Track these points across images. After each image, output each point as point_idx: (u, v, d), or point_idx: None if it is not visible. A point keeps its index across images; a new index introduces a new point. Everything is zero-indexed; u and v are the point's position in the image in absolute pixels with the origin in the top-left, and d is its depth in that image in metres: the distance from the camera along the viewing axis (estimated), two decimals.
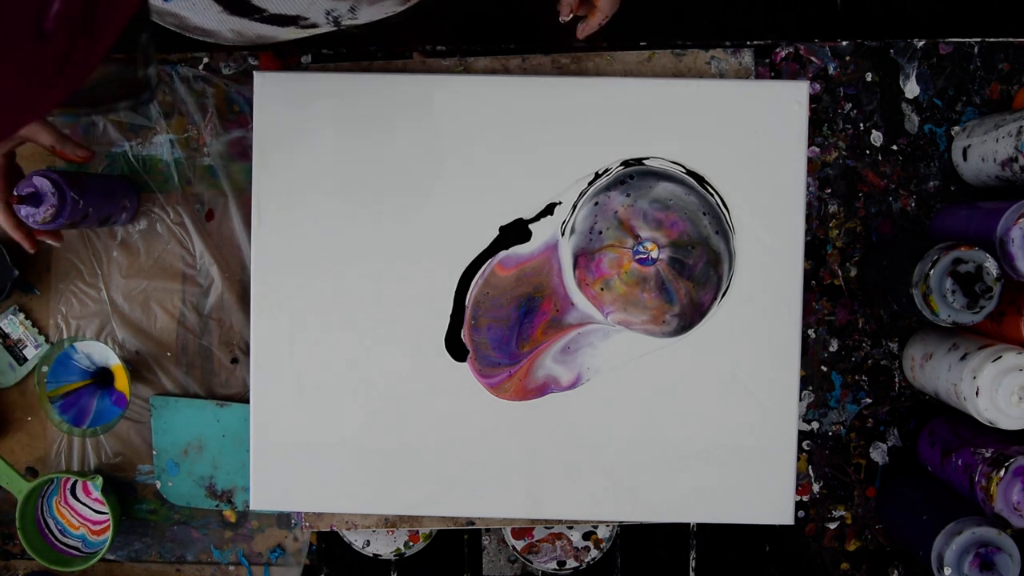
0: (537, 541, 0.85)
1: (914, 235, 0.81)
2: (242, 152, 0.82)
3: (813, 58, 0.81)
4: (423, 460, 0.78)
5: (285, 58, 0.82)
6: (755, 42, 0.80)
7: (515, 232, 0.77)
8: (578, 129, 0.76)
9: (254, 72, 0.77)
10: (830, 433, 0.82)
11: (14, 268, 0.79)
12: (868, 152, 0.81)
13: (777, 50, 0.81)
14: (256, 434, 0.78)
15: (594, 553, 0.85)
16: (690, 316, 0.77)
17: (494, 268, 0.77)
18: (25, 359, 0.84)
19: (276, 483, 0.78)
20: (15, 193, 0.72)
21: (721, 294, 0.77)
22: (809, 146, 0.79)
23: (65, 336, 0.84)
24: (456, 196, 0.77)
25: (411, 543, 0.85)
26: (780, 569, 0.94)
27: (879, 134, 0.81)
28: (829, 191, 0.81)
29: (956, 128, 0.80)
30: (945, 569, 0.70)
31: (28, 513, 0.81)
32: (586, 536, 0.85)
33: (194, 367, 0.84)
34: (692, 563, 0.86)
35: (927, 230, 0.80)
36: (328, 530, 0.82)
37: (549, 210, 0.77)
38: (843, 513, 0.83)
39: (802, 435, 0.82)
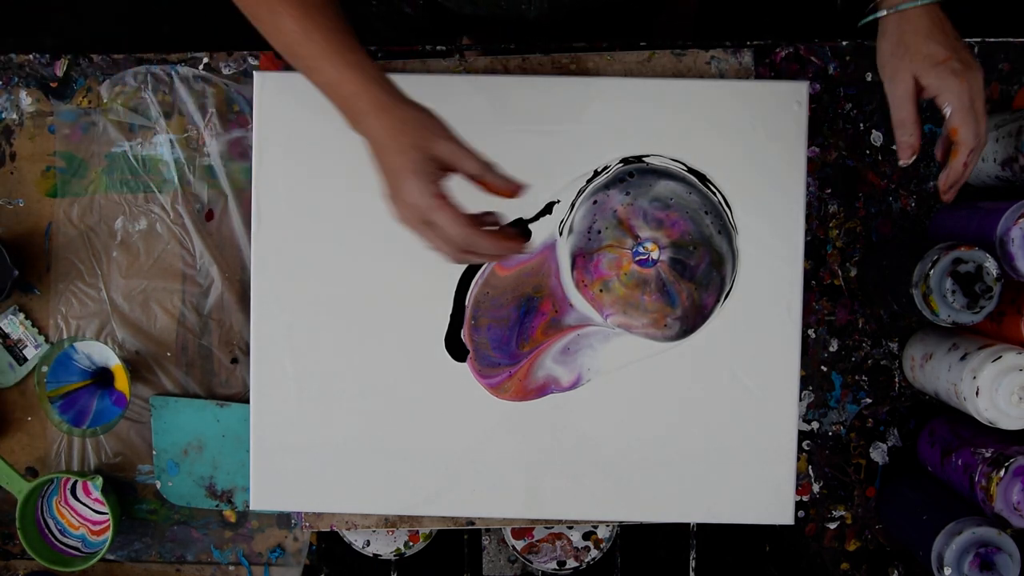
0: (537, 541, 0.85)
1: (914, 235, 0.81)
2: (242, 152, 0.82)
3: (813, 58, 0.81)
4: (423, 460, 0.78)
5: None
6: (755, 42, 0.80)
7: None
8: (578, 129, 0.76)
9: (254, 72, 0.77)
10: (830, 433, 0.82)
11: (14, 268, 0.79)
12: (868, 152, 0.81)
13: (777, 50, 0.81)
14: (256, 434, 0.78)
15: (594, 553, 0.85)
16: (692, 319, 0.77)
17: (494, 268, 0.77)
18: (25, 359, 0.84)
19: (276, 483, 0.79)
20: None
21: (724, 296, 0.77)
22: (809, 146, 0.78)
23: (65, 336, 0.84)
24: (456, 196, 0.77)
25: (411, 543, 0.85)
26: (780, 569, 0.94)
27: (879, 134, 0.81)
28: (829, 191, 0.81)
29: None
30: (945, 569, 0.70)
31: (28, 513, 0.81)
32: (586, 536, 0.85)
33: (194, 367, 0.84)
34: (692, 563, 0.86)
35: (927, 230, 0.80)
36: (328, 530, 0.82)
37: (548, 209, 0.77)
38: (843, 513, 0.83)
39: (802, 435, 0.82)
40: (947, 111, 0.62)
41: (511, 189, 0.60)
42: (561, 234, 0.77)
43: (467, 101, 0.76)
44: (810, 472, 0.83)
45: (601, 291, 0.77)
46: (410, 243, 0.78)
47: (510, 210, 0.77)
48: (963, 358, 0.70)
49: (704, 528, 0.85)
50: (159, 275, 0.83)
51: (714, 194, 0.76)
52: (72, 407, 0.82)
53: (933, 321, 0.68)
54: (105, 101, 0.83)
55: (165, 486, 0.83)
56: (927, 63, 0.61)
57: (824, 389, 0.82)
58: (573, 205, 0.77)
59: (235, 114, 0.82)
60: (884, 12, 0.63)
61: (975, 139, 0.61)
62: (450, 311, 0.78)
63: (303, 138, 0.77)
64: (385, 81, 0.58)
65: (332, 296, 0.78)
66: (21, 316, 0.84)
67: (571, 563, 0.85)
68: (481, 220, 0.59)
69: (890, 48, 0.63)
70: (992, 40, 0.80)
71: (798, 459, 0.81)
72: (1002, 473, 0.68)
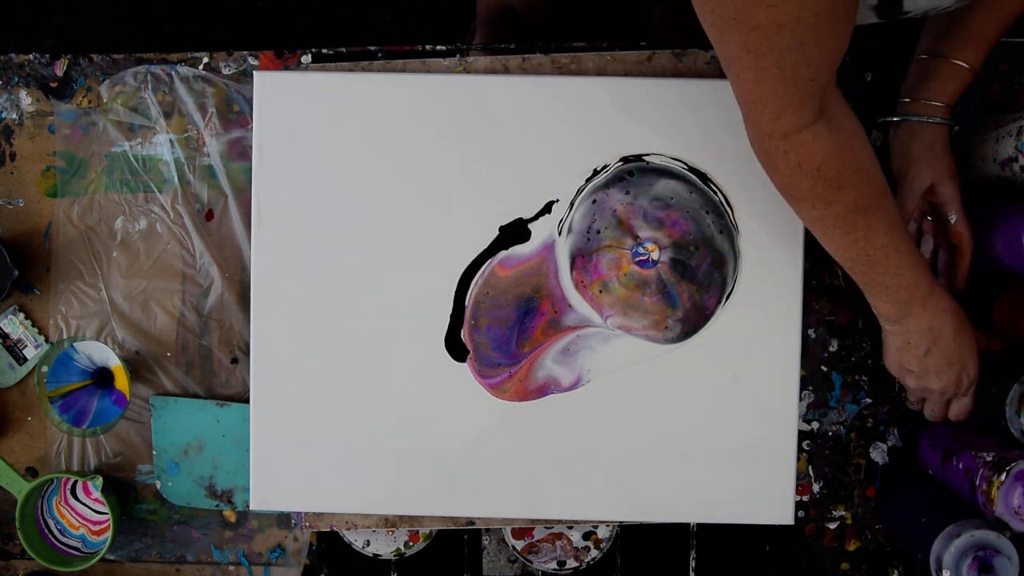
0: (537, 541, 0.85)
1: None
2: (242, 152, 0.82)
3: None
4: (423, 460, 0.78)
5: (285, 58, 0.82)
6: None
7: (515, 232, 0.77)
8: (578, 129, 0.76)
9: (254, 72, 0.77)
10: (830, 433, 0.82)
11: (14, 268, 0.79)
12: None
13: None
14: (256, 434, 0.78)
15: (594, 553, 0.85)
16: (693, 321, 0.77)
17: (494, 268, 0.77)
18: (25, 359, 0.84)
19: (276, 483, 0.79)
20: None
21: (725, 297, 0.77)
22: None
23: (65, 336, 0.84)
24: (456, 196, 0.77)
25: (411, 543, 0.85)
26: (780, 569, 0.94)
27: (879, 134, 0.80)
28: None
29: (956, 128, 0.80)
30: (944, 572, 0.69)
31: (28, 513, 0.82)
32: (586, 536, 0.85)
33: (194, 367, 0.84)
34: (692, 563, 0.86)
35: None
36: (328, 530, 0.82)
37: (548, 209, 0.77)
38: (843, 513, 0.83)
39: (802, 435, 0.82)
40: (952, 218, 0.74)
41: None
42: (560, 234, 0.77)
43: (467, 101, 0.76)
44: (810, 472, 0.83)
45: (600, 292, 0.77)
46: (409, 243, 0.78)
47: (509, 210, 0.77)
48: None
49: (704, 528, 0.85)
50: (159, 275, 0.83)
51: (715, 193, 0.76)
52: (72, 407, 0.82)
53: None
54: (105, 101, 0.83)
55: (165, 486, 0.84)
56: (947, 174, 0.73)
57: (824, 389, 0.82)
58: (572, 204, 0.77)
59: (235, 114, 0.82)
60: (924, 119, 0.73)
61: (972, 240, 0.74)
62: (450, 311, 0.78)
63: (303, 138, 0.77)
64: (936, 280, 0.70)
65: (332, 296, 0.78)
66: (21, 316, 0.84)
67: (571, 563, 0.85)
68: None
69: (919, 151, 0.74)
70: None
71: (798, 459, 0.81)
72: (1003, 477, 0.68)
